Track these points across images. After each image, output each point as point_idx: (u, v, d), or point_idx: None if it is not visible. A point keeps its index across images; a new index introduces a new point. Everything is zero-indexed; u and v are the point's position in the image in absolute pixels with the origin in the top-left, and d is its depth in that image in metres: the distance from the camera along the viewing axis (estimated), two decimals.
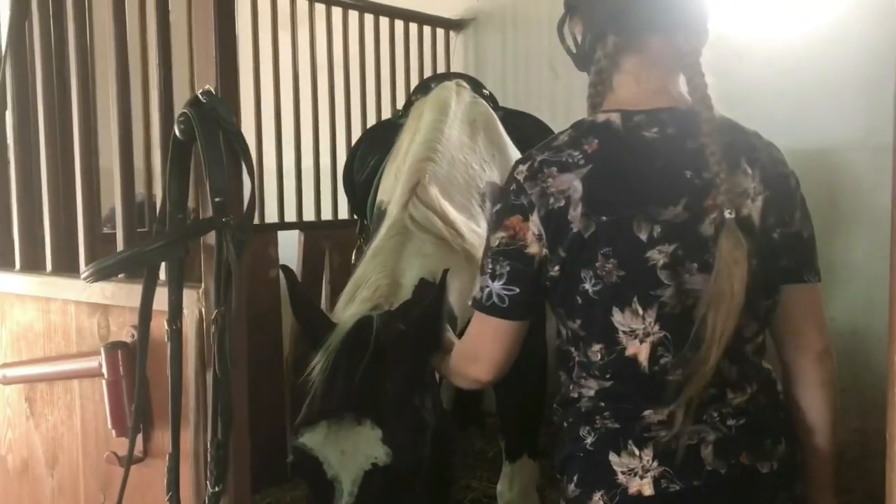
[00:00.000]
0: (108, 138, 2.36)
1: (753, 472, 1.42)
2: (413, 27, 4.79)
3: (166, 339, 1.81)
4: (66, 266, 2.30)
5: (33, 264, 2.42)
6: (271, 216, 4.29)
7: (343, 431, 1.74)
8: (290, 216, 4.33)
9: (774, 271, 1.47)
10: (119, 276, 1.98)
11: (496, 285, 1.45)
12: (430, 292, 1.87)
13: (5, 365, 2.39)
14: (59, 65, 2.29)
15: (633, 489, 1.39)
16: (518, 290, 1.44)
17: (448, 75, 3.43)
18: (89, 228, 2.20)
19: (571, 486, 1.49)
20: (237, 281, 1.73)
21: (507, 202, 1.46)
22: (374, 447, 1.72)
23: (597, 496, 1.42)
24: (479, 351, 1.57)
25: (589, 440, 1.46)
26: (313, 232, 4.27)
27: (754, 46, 3.77)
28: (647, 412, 1.41)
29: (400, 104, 4.00)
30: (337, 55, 4.42)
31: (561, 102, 4.64)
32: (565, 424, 1.54)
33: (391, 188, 2.74)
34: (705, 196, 1.39)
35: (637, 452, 1.40)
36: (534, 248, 1.42)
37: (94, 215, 2.23)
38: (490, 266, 1.46)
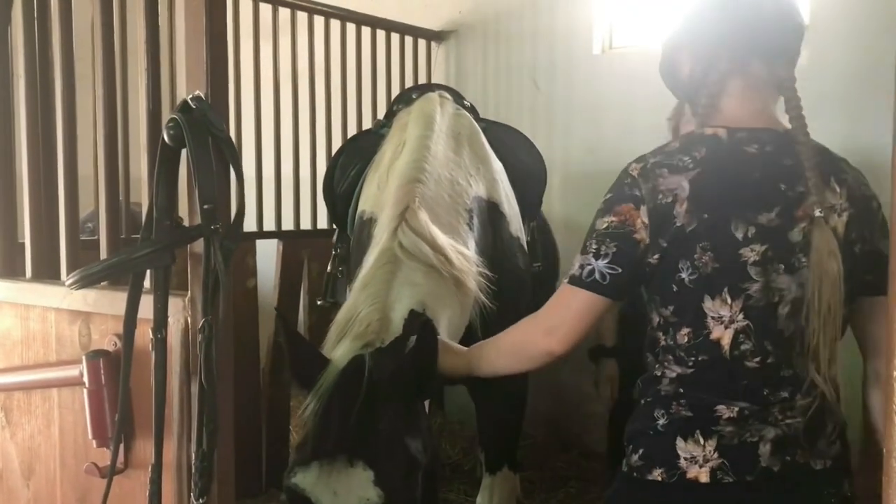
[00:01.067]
0: (86, 144, 2.34)
1: (807, 469, 1.55)
2: (395, 37, 4.80)
3: (150, 348, 1.79)
4: (46, 273, 2.26)
5: (11, 271, 2.38)
6: (250, 225, 4.25)
7: (335, 473, 1.72)
8: (269, 225, 4.30)
9: (856, 284, 1.59)
10: (101, 283, 1.95)
11: (600, 263, 1.58)
12: (420, 325, 1.88)
13: None
14: (42, 69, 2.26)
15: (690, 474, 1.53)
16: (620, 270, 1.57)
17: (430, 86, 3.43)
18: (71, 235, 2.17)
19: (635, 458, 1.62)
20: (224, 290, 1.71)
21: (621, 192, 1.60)
22: (367, 489, 1.71)
23: (657, 472, 1.56)
24: (560, 323, 1.66)
25: (661, 421, 1.59)
26: (292, 241, 4.24)
27: None
28: (719, 406, 1.54)
29: (381, 114, 3.99)
30: (318, 64, 4.41)
31: (542, 114, 4.67)
32: (643, 402, 1.66)
33: (373, 198, 2.73)
34: (797, 207, 1.55)
35: (702, 442, 1.53)
36: (640, 235, 1.57)
37: (76, 222, 2.20)
38: (595, 246, 1.60)
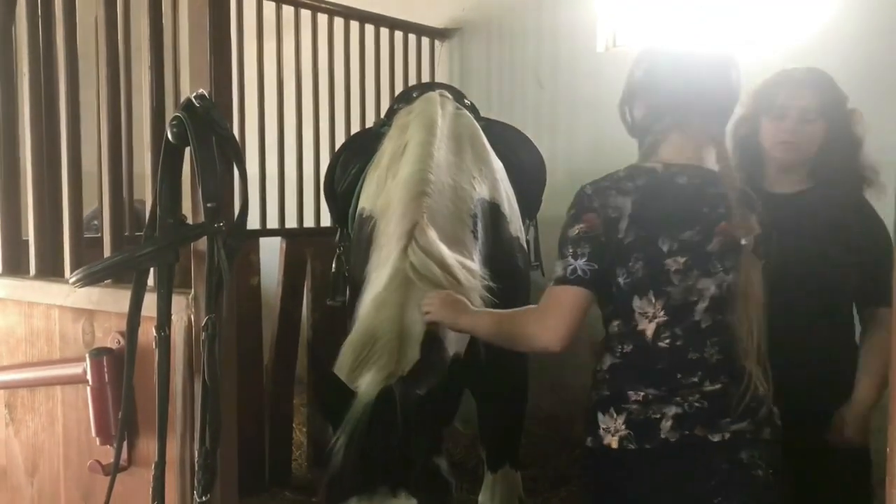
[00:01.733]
0: (89, 142, 2.34)
1: (703, 441, 1.86)
2: (398, 35, 4.80)
3: (154, 346, 1.78)
4: (50, 270, 2.26)
5: (16, 268, 2.38)
6: (253, 223, 4.25)
7: None
8: (273, 223, 4.30)
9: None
10: (105, 281, 1.95)
11: (580, 262, 1.88)
12: (436, 347, 2.05)
13: None
14: (46, 66, 2.26)
15: (605, 441, 1.91)
16: (596, 266, 1.87)
17: (430, 85, 3.43)
18: (75, 233, 2.17)
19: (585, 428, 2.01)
20: (228, 288, 1.71)
21: (582, 205, 1.93)
22: None
23: (589, 440, 1.97)
24: (557, 321, 1.91)
25: (594, 400, 1.97)
26: (295, 239, 4.25)
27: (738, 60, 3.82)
28: (629, 392, 1.90)
29: (384, 112, 4.00)
30: (322, 62, 4.41)
31: (545, 112, 4.66)
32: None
33: (373, 196, 2.74)
34: (716, 224, 1.90)
35: (615, 416, 1.90)
36: (603, 238, 1.88)
37: (79, 220, 2.20)
38: (571, 249, 1.89)
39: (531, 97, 4.74)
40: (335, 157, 3.33)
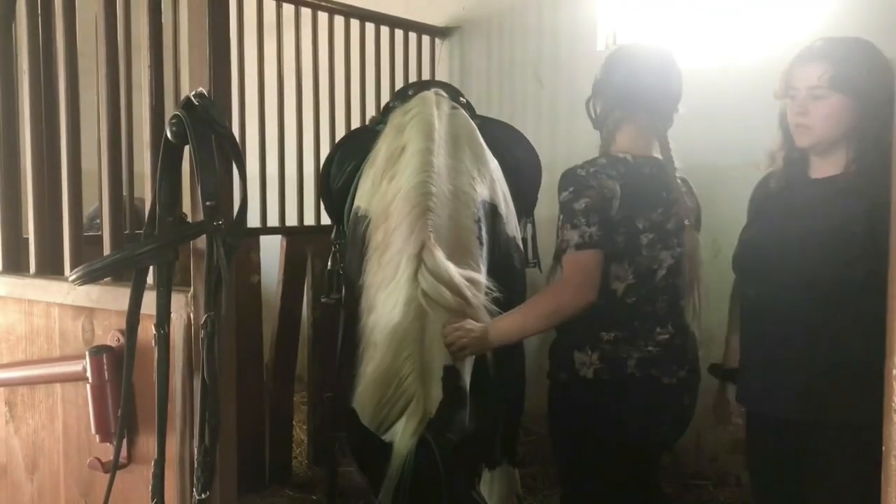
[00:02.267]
0: (89, 140, 2.35)
1: (657, 381, 2.34)
2: (398, 33, 4.80)
3: (153, 344, 1.79)
4: (49, 268, 2.27)
5: (16, 266, 2.39)
6: (253, 221, 4.26)
7: None
8: (273, 221, 4.31)
9: None
10: (105, 279, 1.95)
11: (592, 229, 2.26)
12: (454, 379, 2.14)
13: None
14: (46, 65, 2.27)
15: (581, 373, 2.34)
16: (604, 232, 2.27)
17: (426, 83, 3.41)
18: (75, 231, 2.18)
19: (553, 367, 2.45)
20: (227, 286, 1.71)
21: (582, 183, 2.30)
22: None
23: (563, 374, 2.39)
24: (587, 278, 2.26)
25: (567, 342, 2.39)
26: (295, 237, 4.25)
27: (738, 60, 3.82)
28: (602, 333, 2.34)
29: None
30: (322, 61, 4.41)
31: (545, 110, 4.66)
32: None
33: (367, 195, 2.74)
34: (672, 207, 2.39)
35: (589, 353, 2.33)
36: (602, 212, 2.27)
37: (79, 218, 2.21)
38: (583, 219, 2.26)
39: (531, 95, 4.74)
40: (331, 154, 3.32)
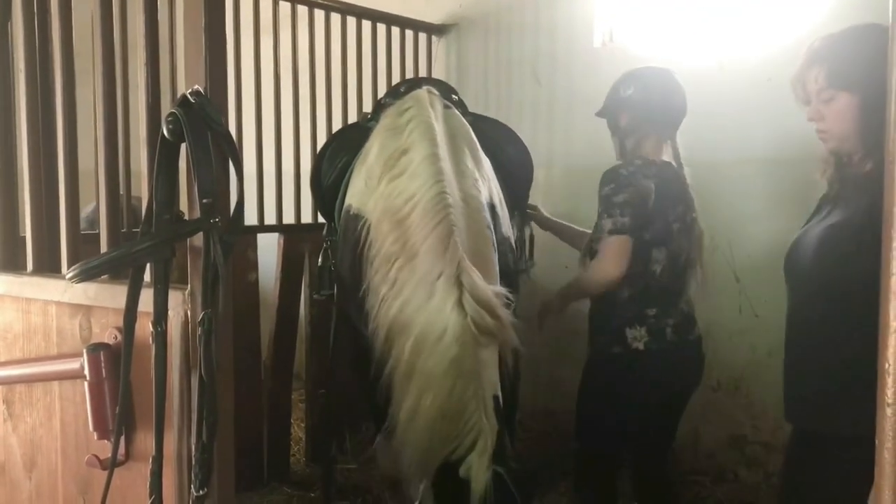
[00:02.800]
0: (86, 139, 2.35)
1: (686, 339, 2.91)
2: (395, 31, 4.80)
3: (151, 341, 1.79)
4: (47, 266, 2.27)
5: (13, 264, 2.39)
6: (251, 219, 4.27)
7: None
8: (270, 219, 4.31)
9: None
10: (102, 277, 1.96)
11: (625, 219, 2.78)
12: (501, 409, 2.18)
13: None
14: (42, 64, 2.27)
15: (633, 346, 2.84)
16: (635, 222, 2.78)
17: (418, 81, 3.38)
18: (72, 229, 2.18)
19: (604, 343, 2.93)
20: (224, 283, 1.72)
21: (623, 181, 2.81)
22: None
23: (617, 348, 2.87)
24: (615, 258, 2.80)
25: (618, 321, 2.87)
26: (293, 235, 4.25)
27: (734, 57, 3.82)
28: (647, 310, 2.85)
29: None
30: (319, 58, 4.41)
31: (542, 108, 4.67)
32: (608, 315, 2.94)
33: (360, 193, 2.73)
34: (688, 202, 2.95)
35: (639, 328, 2.84)
36: (637, 207, 2.77)
37: (76, 216, 2.21)
38: (618, 210, 2.78)
39: (528, 93, 4.75)
40: (321, 151, 3.30)
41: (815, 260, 2.01)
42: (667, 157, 2.95)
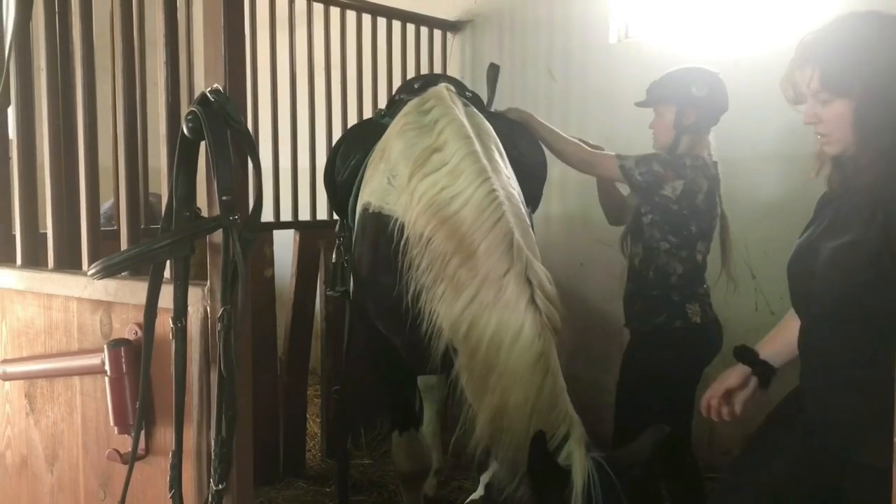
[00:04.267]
0: (106, 136, 2.37)
1: (714, 315, 3.16)
2: (410, 28, 4.81)
3: (171, 337, 1.81)
4: (68, 263, 2.30)
5: (35, 261, 2.42)
6: (267, 215, 4.27)
7: None
8: (286, 215, 4.33)
9: None
10: (122, 273, 1.98)
11: (647, 177, 3.05)
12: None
13: (5, 361, 2.40)
14: (63, 61, 2.29)
15: (693, 319, 3.05)
16: (652, 181, 3.07)
17: (433, 77, 3.36)
18: (92, 226, 2.21)
19: (661, 318, 3.08)
20: (243, 280, 1.73)
21: (679, 170, 3.00)
22: None
23: (678, 322, 3.05)
24: (600, 168, 3.22)
25: (676, 297, 3.07)
26: (309, 231, 4.27)
27: (749, 53, 3.81)
28: (699, 288, 3.10)
29: None
30: (334, 55, 4.43)
31: (557, 104, 4.67)
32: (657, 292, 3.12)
33: (381, 191, 2.71)
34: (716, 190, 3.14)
35: (693, 304, 3.07)
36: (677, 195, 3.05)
37: (96, 213, 2.24)
38: (646, 167, 3.04)
39: (543, 89, 4.74)
40: (335, 148, 3.30)
41: (827, 283, 1.84)
42: (706, 152, 3.12)
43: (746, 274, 3.86)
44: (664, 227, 3.04)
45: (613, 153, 3.14)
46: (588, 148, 3.26)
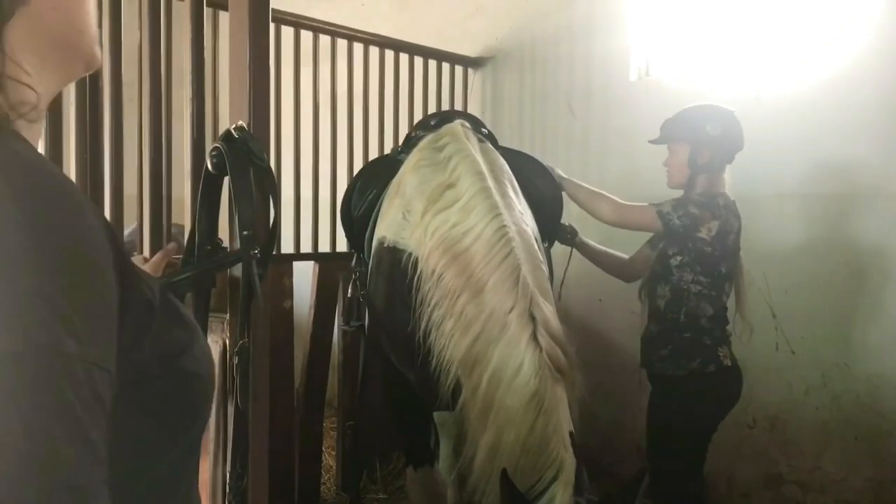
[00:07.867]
0: (130, 166, 2.40)
1: (735, 357, 3.18)
2: (432, 64, 4.86)
3: None
4: None
5: None
6: (287, 247, 4.32)
7: None
8: (306, 247, 4.36)
9: None
10: None
11: (683, 220, 3.04)
12: (575, 443, 2.18)
13: None
14: (92, 95, 2.33)
15: (724, 363, 3.07)
16: (688, 224, 3.08)
17: (449, 114, 3.38)
18: None
19: (695, 364, 3.07)
20: (262, 314, 1.75)
21: (715, 210, 3.02)
22: None
23: (712, 366, 3.05)
24: (634, 219, 3.24)
25: (708, 340, 3.08)
26: (328, 263, 4.29)
27: (770, 91, 3.82)
28: (726, 331, 3.13)
29: None
30: (357, 90, 4.48)
31: (577, 141, 4.68)
32: (688, 335, 3.11)
33: (396, 226, 2.72)
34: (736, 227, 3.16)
35: (724, 347, 3.09)
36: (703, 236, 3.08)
37: (121, 242, 2.26)
38: (683, 211, 3.05)
39: (563, 126, 4.76)
40: (352, 182, 3.32)
41: None
42: (721, 190, 3.14)
43: (767, 313, 3.83)
44: (696, 267, 3.05)
45: (646, 203, 3.15)
46: (621, 202, 3.26)
